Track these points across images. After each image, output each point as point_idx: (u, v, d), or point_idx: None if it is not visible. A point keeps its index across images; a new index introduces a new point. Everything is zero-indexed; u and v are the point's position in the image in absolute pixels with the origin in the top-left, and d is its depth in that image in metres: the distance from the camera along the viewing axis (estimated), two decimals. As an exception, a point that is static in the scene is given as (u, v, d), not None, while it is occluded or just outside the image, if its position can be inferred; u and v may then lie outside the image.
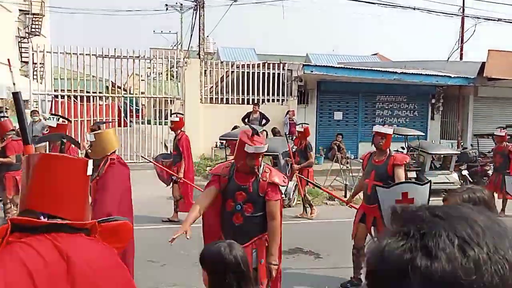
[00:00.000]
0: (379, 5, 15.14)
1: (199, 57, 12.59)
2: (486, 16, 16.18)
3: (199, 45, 12.89)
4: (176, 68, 12.34)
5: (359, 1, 15.10)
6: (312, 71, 11.52)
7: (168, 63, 11.91)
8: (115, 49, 11.07)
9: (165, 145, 11.99)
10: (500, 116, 14.49)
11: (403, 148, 10.92)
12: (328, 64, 17.41)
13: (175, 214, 7.03)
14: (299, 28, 66.21)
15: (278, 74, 12.39)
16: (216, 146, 11.64)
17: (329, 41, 69.92)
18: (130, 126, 12.15)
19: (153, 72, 12.44)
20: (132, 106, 12.60)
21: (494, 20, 16.01)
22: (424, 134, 12.79)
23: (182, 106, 11.56)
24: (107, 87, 11.92)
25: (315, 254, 5.70)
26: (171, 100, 11.82)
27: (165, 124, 11.63)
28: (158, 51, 12.50)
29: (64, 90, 10.79)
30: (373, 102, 13.76)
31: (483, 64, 12.23)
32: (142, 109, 12.63)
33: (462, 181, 9.56)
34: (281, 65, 12.53)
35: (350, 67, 13.14)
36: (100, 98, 11.60)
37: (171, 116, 7.72)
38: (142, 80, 12.10)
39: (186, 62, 11.43)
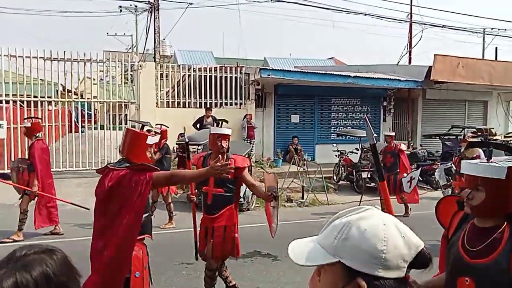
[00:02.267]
0: (334, 10, 15.59)
1: (155, 60, 12.33)
2: (432, 22, 17.10)
3: (154, 48, 12.63)
4: (131, 71, 12.03)
5: (314, 6, 15.48)
6: (269, 75, 11.62)
7: (122, 66, 11.57)
8: (64, 51, 10.61)
9: (119, 150, 11.62)
10: (446, 117, 15.37)
11: (357, 149, 11.29)
12: (285, 68, 17.68)
13: (19, 232, 6.12)
14: (257, 32, 66.75)
15: (236, 77, 12.40)
16: (174, 151, 11.42)
17: (287, 46, 71.01)
18: (82, 132, 11.67)
19: (107, 76, 12.04)
20: (84, 111, 12.10)
21: (439, 26, 16.96)
22: (377, 135, 13.26)
23: (137, 110, 11.27)
24: (57, 91, 11.39)
25: (273, 256, 5.73)
26: (125, 105, 11.48)
27: (119, 129, 11.29)
28: (112, 53, 12.12)
29: (9, 94, 10.19)
30: (329, 105, 14.11)
31: (430, 68, 12.89)
32: (95, 114, 12.18)
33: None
34: (239, 68, 12.55)
35: (306, 71, 13.41)
36: (50, 103, 11.07)
37: (126, 122, 7.50)
38: (94, 84, 11.65)
39: (141, 66, 11.15)
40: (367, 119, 2.17)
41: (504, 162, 1.70)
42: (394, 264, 0.84)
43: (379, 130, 14.48)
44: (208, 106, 11.65)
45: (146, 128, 3.60)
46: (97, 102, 11.59)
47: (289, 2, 14.37)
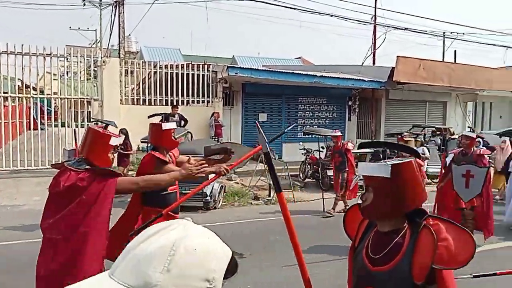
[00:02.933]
0: (301, 10, 15.76)
1: (119, 56, 12.03)
2: (395, 25, 17.65)
3: (119, 44, 12.32)
4: (95, 67, 11.67)
5: (282, 6, 15.58)
6: (236, 73, 11.61)
7: (85, 61, 11.19)
8: (22, 45, 10.15)
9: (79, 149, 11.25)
10: (408, 117, 15.92)
11: (322, 147, 11.48)
12: (253, 66, 17.70)
13: None
14: (226, 30, 66.50)
15: (203, 75, 12.31)
16: (139, 149, 11.20)
17: (256, 45, 71.22)
18: (42, 129, 11.21)
19: (70, 71, 11.60)
20: (44, 107, 11.62)
21: (401, 28, 17.52)
22: (342, 134, 13.55)
23: (100, 107, 10.95)
24: (15, 87, 10.88)
25: (238, 254, 5.73)
26: (88, 101, 11.12)
27: (81, 127, 10.93)
28: (74, 48, 11.70)
29: (-39, 89, 9.64)
30: (296, 104, 14.27)
31: (393, 69, 13.29)
32: (55, 111, 11.72)
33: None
34: (206, 66, 12.45)
35: (274, 70, 13.49)
36: (6, 98, 10.56)
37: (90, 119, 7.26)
38: (55, 79, 11.21)
39: (104, 61, 10.83)
40: (258, 125, 2.04)
41: (397, 161, 1.64)
42: (219, 281, 0.71)
43: (345, 128, 14.80)
44: (175, 103, 11.50)
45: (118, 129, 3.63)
46: (58, 98, 11.15)
47: (256, 1, 14.39)
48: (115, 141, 2.76)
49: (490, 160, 11.42)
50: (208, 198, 8.26)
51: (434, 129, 14.15)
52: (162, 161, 3.63)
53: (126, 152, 9.21)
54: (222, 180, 10.29)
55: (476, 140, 7.56)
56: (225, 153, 3.46)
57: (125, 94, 11.48)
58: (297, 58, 30.88)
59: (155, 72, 12.04)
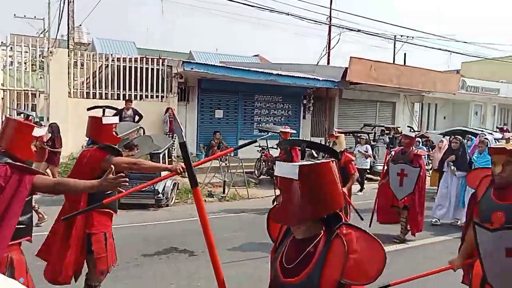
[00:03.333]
0: (259, 8, 15.81)
1: (68, 47, 11.46)
2: (349, 26, 18.18)
3: (68, 34, 11.73)
4: (41, 58, 11.05)
5: (240, 3, 15.54)
6: (192, 69, 11.45)
7: (30, 52, 10.55)
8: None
9: None
10: (360, 116, 16.49)
11: (277, 145, 11.63)
12: (210, 62, 17.56)
13: None
14: (183, 26, 65.35)
15: (158, 70, 12.04)
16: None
17: (214, 41, 70.61)
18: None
19: (15, 61, 10.89)
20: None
21: (355, 30, 18.08)
22: (296, 132, 13.81)
23: (46, 100, 10.41)
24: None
25: (190, 251, 5.69)
26: (33, 93, 10.52)
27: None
28: (18, 37, 11.02)
29: None
30: (252, 101, 14.33)
31: (346, 69, 13.69)
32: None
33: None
34: (161, 60, 12.19)
35: (230, 66, 13.45)
36: None
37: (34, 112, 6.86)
38: (-3, 69, 10.51)
39: (51, 52, 10.29)
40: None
41: (309, 162, 1.55)
42: None
43: (299, 126, 15.07)
44: (128, 98, 11.17)
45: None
46: (0, 89, 10.46)
47: (214, -4, 14.25)
48: (38, 132, 2.65)
49: (430, 160, 12.11)
50: (160, 195, 8.12)
51: (383, 128, 14.75)
52: (113, 151, 3.41)
53: (54, 150, 8.68)
54: (175, 177, 10.14)
55: (416, 140, 7.90)
56: (130, 149, 3.42)
57: (73, 87, 10.99)
58: (255, 55, 30.98)
59: (107, 65, 11.61)
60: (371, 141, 13.43)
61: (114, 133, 3.53)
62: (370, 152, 10.86)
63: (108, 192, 3.25)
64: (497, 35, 73.94)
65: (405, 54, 25.81)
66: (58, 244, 3.32)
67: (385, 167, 6.53)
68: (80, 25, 18.28)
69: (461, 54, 23.10)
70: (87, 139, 9.09)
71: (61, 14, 12.22)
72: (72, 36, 11.99)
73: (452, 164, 7.56)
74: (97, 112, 8.43)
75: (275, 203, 1.58)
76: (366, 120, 16.06)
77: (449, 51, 22.31)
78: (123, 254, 5.55)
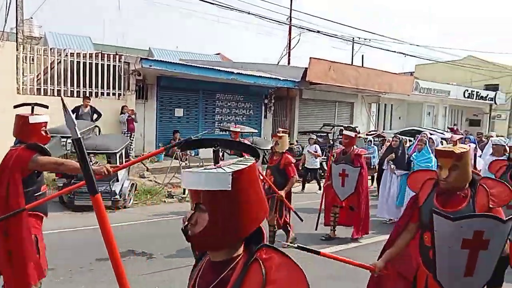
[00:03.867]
0: (219, 6, 15.67)
1: (17, 41, 10.80)
2: (309, 27, 18.46)
3: (16, 27, 11.04)
4: (-13, 51, 10.32)
5: (201, 0, 15.33)
6: (150, 66, 11.15)
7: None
8: None
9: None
10: (320, 116, 16.79)
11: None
12: (170, 60, 17.21)
13: None
14: (142, 22, 63.74)
15: (114, 66, 11.61)
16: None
17: (174, 39, 69.40)
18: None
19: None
20: None
21: (314, 31, 18.38)
22: (258, 131, 13.84)
23: (-9, 96, 9.74)
24: None
25: (148, 254, 5.52)
26: (-24, 89, 9.82)
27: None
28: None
29: None
30: (213, 100, 14.19)
31: (306, 69, 13.88)
32: None
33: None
34: (118, 57, 11.77)
35: (190, 64, 13.24)
36: None
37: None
38: None
39: (-3, 45, 9.65)
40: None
41: (236, 165, 1.25)
42: None
43: (261, 126, 15.11)
44: (87, 95, 10.71)
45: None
46: None
47: (174, -7, 13.95)
48: (36, 119, 3.37)
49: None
50: (117, 196, 7.84)
51: (342, 127, 15.09)
52: (42, 151, 3.23)
53: None
54: (133, 177, 9.84)
55: (368, 140, 7.98)
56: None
57: (23, 83, 10.36)
58: (216, 54, 30.75)
59: (60, 61, 11.05)
60: (330, 140, 13.69)
61: (43, 132, 3.34)
62: (319, 151, 10.99)
63: (39, 193, 3.28)
64: (449, 38, 78.09)
65: (362, 56, 26.62)
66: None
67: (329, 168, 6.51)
68: (31, 17, 17.29)
69: (415, 57, 24.10)
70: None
71: (9, 5, 11.46)
72: (21, 29, 11.29)
73: (391, 162, 7.58)
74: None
75: (185, 224, 1.24)
76: (325, 120, 16.38)
77: (403, 53, 23.21)
78: (78, 258, 5.30)
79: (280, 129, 8.83)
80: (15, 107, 3.58)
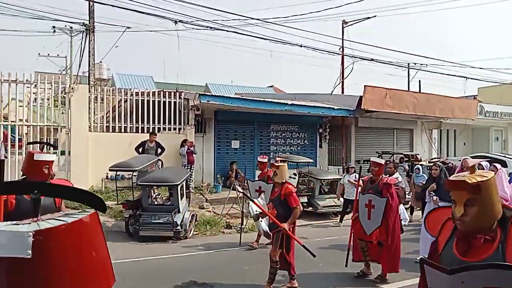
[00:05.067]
0: (271, 41, 16.17)
1: (89, 83, 11.87)
2: (362, 56, 18.37)
3: (88, 71, 12.17)
4: (63, 94, 11.43)
5: (253, 36, 15.96)
6: (208, 101, 11.65)
7: (53, 88, 10.95)
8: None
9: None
10: (377, 144, 16.34)
11: (295, 174, 11.55)
12: (226, 94, 17.86)
13: None
14: (199, 59, 67.18)
15: (175, 102, 12.28)
16: (107, 178, 10.91)
17: (229, 73, 72.21)
18: (5, 157, 10.73)
19: (38, 98, 11.30)
20: (13, 135, 11.18)
21: (368, 59, 18.24)
22: (313, 161, 13.73)
23: (67, 134, 10.67)
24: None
25: (209, 285, 5.58)
26: (55, 128, 10.82)
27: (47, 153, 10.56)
28: (41, 75, 11.47)
29: None
30: (268, 131, 14.40)
31: (361, 98, 13.71)
32: (20, 139, 11.32)
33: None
34: (178, 93, 12.45)
35: (245, 97, 13.64)
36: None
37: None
38: (20, 106, 10.88)
39: (72, 88, 10.64)
40: (192, 144, 1.23)
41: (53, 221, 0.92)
42: None
43: (316, 155, 14.99)
44: (152, 130, 11.39)
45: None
46: (23, 125, 10.79)
47: (228, 31, 14.67)
48: (39, 157, 3.17)
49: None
50: (179, 227, 8.08)
51: (402, 155, 14.55)
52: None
53: None
54: (193, 208, 10.11)
55: (440, 168, 7.17)
56: None
57: (94, 121, 11.27)
58: (269, 86, 31.40)
59: (126, 99, 11.92)
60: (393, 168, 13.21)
61: (45, 170, 3.29)
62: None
63: None
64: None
65: (419, 81, 25.83)
66: None
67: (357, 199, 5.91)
68: (101, 61, 18.99)
69: (477, 80, 22.93)
70: (116, 171, 8.90)
71: (83, 52, 12.74)
72: (93, 72, 12.42)
73: (433, 193, 6.87)
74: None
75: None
76: (383, 148, 15.90)
77: (464, 77, 22.19)
78: (145, 286, 5.49)
79: (278, 158, 8.30)
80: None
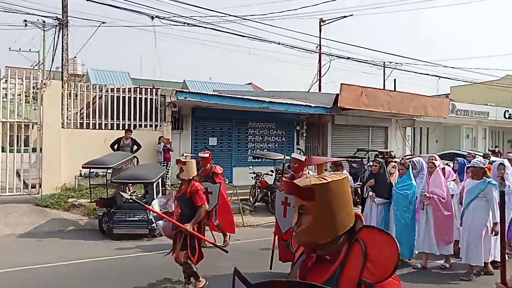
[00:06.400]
0: (249, 38, 16.17)
1: (62, 79, 11.58)
2: (338, 54, 18.61)
3: (62, 66, 11.88)
4: (35, 89, 11.13)
5: (231, 33, 15.91)
6: (185, 98, 11.57)
7: (24, 84, 10.63)
8: (-47, 65, 9.49)
9: (17, 173, 10.58)
10: (352, 141, 16.61)
11: (272, 171, 11.64)
12: (204, 91, 17.77)
13: None
14: (176, 55, 66.51)
15: (151, 99, 12.15)
16: (81, 175, 10.71)
17: (207, 70, 71.78)
18: None
19: (9, 94, 10.94)
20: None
21: (344, 58, 18.50)
22: (290, 158, 13.82)
23: (39, 131, 10.41)
24: None
25: (184, 282, 5.57)
26: (26, 125, 10.53)
27: (17, 152, 10.30)
28: (11, 70, 11.11)
29: None
30: (246, 128, 14.43)
31: (337, 95, 13.89)
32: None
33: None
34: (154, 90, 12.32)
35: (223, 94, 13.62)
36: None
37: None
38: (-11, 101, 10.54)
39: (45, 84, 10.37)
40: (169, 141, 1.26)
41: None
42: None
43: (293, 152, 15.11)
44: (127, 127, 11.24)
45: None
46: (-8, 121, 10.45)
47: (205, 28, 14.60)
48: None
49: None
50: (154, 225, 8.01)
51: (377, 152, 14.85)
52: None
53: None
54: (169, 206, 10.03)
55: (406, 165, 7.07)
56: None
57: (67, 117, 11.02)
58: (248, 83, 31.45)
59: (101, 96, 11.70)
60: (365, 165, 13.47)
61: None
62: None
63: None
64: (486, 59, 75.90)
65: (395, 80, 26.37)
66: None
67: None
68: (75, 57, 18.53)
69: (450, 79, 23.60)
70: (89, 168, 8.65)
71: (56, 47, 12.41)
72: (66, 67, 12.13)
73: (370, 189, 6.75)
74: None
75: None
76: (359, 145, 16.18)
77: (437, 76, 22.80)
78: (113, 287, 5.44)
79: (185, 153, 7.69)
80: None
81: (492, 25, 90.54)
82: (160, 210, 5.12)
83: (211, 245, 5.30)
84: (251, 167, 12.19)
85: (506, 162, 6.68)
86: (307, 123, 15.39)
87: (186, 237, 4.83)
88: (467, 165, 6.35)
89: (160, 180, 8.76)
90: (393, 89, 21.33)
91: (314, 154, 15.70)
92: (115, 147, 10.49)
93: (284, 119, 14.76)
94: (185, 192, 4.96)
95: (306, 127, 15.43)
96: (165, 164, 11.38)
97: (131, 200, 5.10)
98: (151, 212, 5.10)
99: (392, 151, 15.74)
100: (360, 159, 13.79)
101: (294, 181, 1.45)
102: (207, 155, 7.52)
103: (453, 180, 6.67)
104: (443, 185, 6.15)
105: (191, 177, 4.99)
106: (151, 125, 12.14)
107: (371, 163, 8.02)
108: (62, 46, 11.92)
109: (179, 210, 5.04)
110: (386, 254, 1.28)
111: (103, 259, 6.64)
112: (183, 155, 6.62)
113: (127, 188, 8.83)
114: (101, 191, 10.05)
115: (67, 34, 11.98)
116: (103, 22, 12.83)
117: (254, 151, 14.06)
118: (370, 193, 6.73)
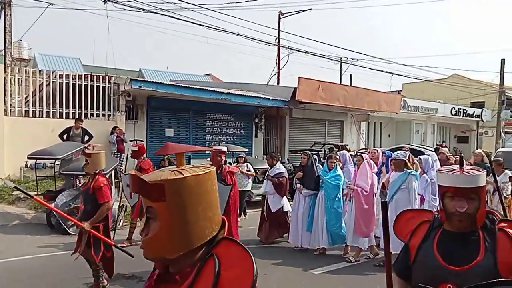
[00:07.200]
0: (208, 27, 15.87)
1: (5, 63, 10.77)
2: (297, 48, 18.76)
3: (4, 49, 11.04)
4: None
5: (189, 21, 15.52)
6: (140, 87, 11.17)
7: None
8: None
9: None
10: (310, 134, 16.89)
11: (230, 163, 11.54)
12: (161, 81, 17.29)
13: None
14: (132, 43, 64.29)
15: (104, 87, 11.61)
16: (27, 166, 10.07)
17: (164, 59, 70.01)
18: None
19: None
20: None
21: (303, 51, 18.67)
22: (249, 150, 13.82)
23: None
24: None
25: (138, 277, 5.40)
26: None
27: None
28: None
29: None
30: (203, 120, 14.21)
31: (295, 89, 14.01)
32: None
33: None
34: (107, 78, 11.78)
35: (180, 84, 13.30)
36: None
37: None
38: None
39: (-15, 67, 9.61)
40: (122, 132, 1.08)
41: None
42: None
43: (252, 145, 15.12)
44: (78, 116, 10.67)
45: None
46: None
47: (162, 15, 14.14)
48: None
49: None
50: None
51: (332, 146, 15.18)
52: None
53: None
54: (123, 199, 9.70)
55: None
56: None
57: (10, 104, 10.29)
58: (207, 74, 31.00)
59: (49, 82, 11.02)
60: (321, 158, 13.73)
61: None
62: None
63: None
64: (435, 58, 79.96)
65: (351, 75, 27.07)
66: None
67: None
68: (21, 40, 17.34)
69: (402, 75, 24.54)
70: (35, 159, 8.17)
71: (-3, 28, 11.48)
72: (10, 51, 11.29)
73: (298, 181, 6.92)
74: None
75: None
76: (316, 138, 16.47)
77: (390, 72, 23.65)
78: (65, 282, 5.16)
79: (92, 144, 7.37)
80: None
81: (442, 26, 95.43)
82: (67, 205, 4.74)
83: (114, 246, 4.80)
84: (208, 159, 12.02)
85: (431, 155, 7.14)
86: (265, 115, 15.42)
87: (89, 234, 4.47)
88: (390, 158, 6.42)
89: (113, 172, 8.41)
90: (349, 84, 21.88)
91: (272, 147, 15.79)
92: (65, 137, 9.94)
93: (242, 111, 14.69)
94: (89, 187, 4.57)
95: (264, 120, 15.47)
96: (118, 155, 10.96)
97: (15, 189, 4.53)
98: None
99: (347, 145, 16.17)
100: (316, 152, 14.02)
101: (142, 175, 1.10)
102: (136, 148, 6.95)
103: (378, 173, 6.92)
104: (368, 177, 6.32)
105: (97, 171, 4.59)
106: (103, 115, 11.62)
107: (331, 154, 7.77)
108: (5, 27, 11.07)
109: (83, 206, 4.70)
110: (239, 275, 1.01)
111: (51, 255, 6.29)
112: (134, 141, 6.19)
113: (77, 180, 8.39)
114: (49, 184, 9.51)
115: (10, 15, 11.13)
116: (51, 4, 12.02)
117: (213, 143, 13.89)
118: (298, 185, 6.95)
